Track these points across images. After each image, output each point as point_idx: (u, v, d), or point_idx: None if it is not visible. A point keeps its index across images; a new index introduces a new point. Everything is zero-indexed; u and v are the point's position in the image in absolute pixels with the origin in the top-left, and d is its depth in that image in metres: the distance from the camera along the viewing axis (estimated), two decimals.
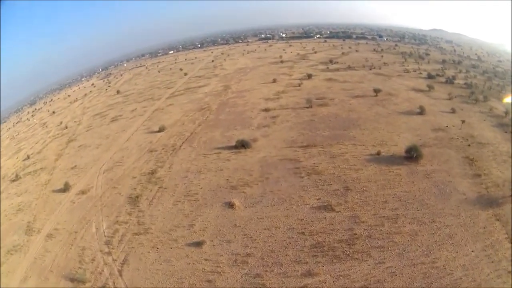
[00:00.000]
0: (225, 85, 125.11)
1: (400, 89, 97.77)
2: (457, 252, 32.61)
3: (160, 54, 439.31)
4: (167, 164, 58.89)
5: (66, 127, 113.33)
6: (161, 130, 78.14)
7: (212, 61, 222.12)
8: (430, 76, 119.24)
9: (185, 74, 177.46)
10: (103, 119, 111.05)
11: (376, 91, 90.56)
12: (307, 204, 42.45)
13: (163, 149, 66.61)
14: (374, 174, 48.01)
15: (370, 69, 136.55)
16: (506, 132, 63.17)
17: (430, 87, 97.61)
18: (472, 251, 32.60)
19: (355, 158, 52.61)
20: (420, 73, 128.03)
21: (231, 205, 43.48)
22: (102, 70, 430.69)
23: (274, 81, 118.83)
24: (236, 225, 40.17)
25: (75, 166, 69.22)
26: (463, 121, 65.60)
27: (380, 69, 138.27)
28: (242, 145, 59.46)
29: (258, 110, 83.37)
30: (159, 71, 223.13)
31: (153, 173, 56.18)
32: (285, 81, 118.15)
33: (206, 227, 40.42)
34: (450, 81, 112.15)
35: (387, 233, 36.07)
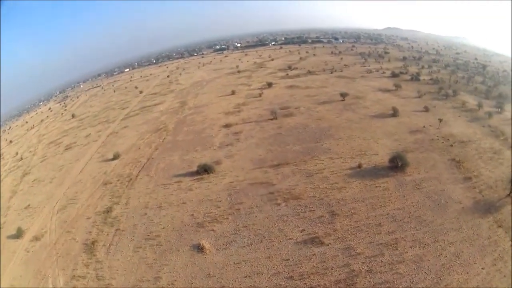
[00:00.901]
0: (181, 101, 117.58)
1: (367, 91, 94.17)
2: (467, 273, 28.97)
3: (116, 73, 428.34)
4: (123, 199, 50.51)
5: (22, 158, 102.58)
6: (115, 157, 69.89)
7: (168, 76, 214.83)
8: (394, 75, 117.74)
9: (140, 92, 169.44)
10: (57, 147, 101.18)
11: (343, 95, 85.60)
12: (290, 239, 35.49)
13: (118, 180, 58.12)
14: (360, 191, 42.13)
15: (331, 73, 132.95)
16: (483, 126, 61.80)
17: (397, 86, 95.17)
18: (483, 268, 29.41)
19: (335, 175, 46.40)
20: (383, 73, 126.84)
21: (200, 249, 35.72)
22: (60, 92, 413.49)
23: (233, 93, 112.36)
24: (210, 274, 32.56)
25: (29, 205, 59.79)
26: (440, 120, 62.50)
27: (341, 71, 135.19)
28: (205, 170, 51.70)
29: (219, 126, 76.21)
30: (114, 91, 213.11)
31: (108, 211, 47.74)
32: (244, 92, 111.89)
33: (175, 280, 32.57)
34: (415, 78, 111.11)
35: (389, 264, 30.60)
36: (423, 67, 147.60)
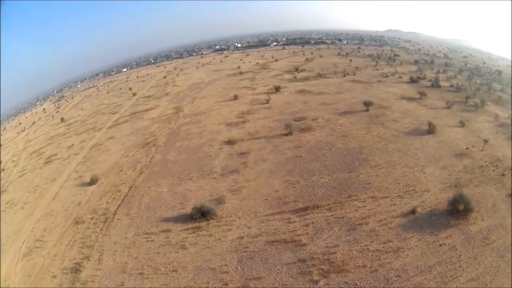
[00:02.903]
0: (176, 107, 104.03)
1: (389, 99, 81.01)
2: None
3: (113, 73, 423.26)
4: (95, 251, 36.31)
5: (3, 170, 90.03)
6: (93, 181, 56.27)
7: (164, 77, 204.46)
8: (413, 80, 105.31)
9: (134, 94, 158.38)
10: (38, 159, 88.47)
11: (367, 104, 72.27)
12: None
13: (92, 218, 44.01)
14: (422, 254, 28.98)
15: (344, 76, 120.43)
16: None
17: (422, 94, 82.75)
18: None
19: (385, 226, 32.81)
20: (400, 77, 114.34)
21: None
22: (57, 92, 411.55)
23: (236, 97, 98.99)
24: None
25: None
26: (485, 141, 50.57)
27: (354, 75, 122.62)
28: (202, 214, 37.56)
29: (220, 142, 62.35)
30: (108, 92, 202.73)
31: (77, 269, 33.79)
32: (248, 97, 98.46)
33: None
34: (436, 84, 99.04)
35: None
36: (438, 71, 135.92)
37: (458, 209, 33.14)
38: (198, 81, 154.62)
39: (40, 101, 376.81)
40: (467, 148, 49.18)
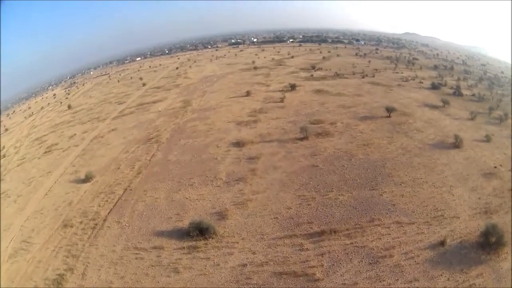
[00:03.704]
0: (185, 100, 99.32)
1: (411, 105, 75.35)
2: None
3: (127, 61, 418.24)
4: (80, 263, 31.95)
5: (4, 156, 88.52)
6: (87, 179, 52.15)
7: (176, 68, 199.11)
8: (434, 86, 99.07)
9: (144, 84, 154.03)
10: (39, 147, 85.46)
11: (389, 110, 66.70)
12: None
13: (81, 223, 39.75)
14: None
15: (362, 77, 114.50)
16: None
17: (445, 102, 76.99)
18: None
19: (412, 261, 27.80)
20: (421, 82, 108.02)
21: None
22: (69, 78, 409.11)
23: (248, 94, 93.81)
24: None
25: None
26: None
27: (373, 76, 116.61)
28: (201, 231, 32.59)
29: (227, 143, 57.39)
30: (118, 81, 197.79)
31: (58, 284, 29.62)
32: (262, 94, 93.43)
33: None
34: (458, 92, 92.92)
35: None
36: (459, 78, 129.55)
37: (489, 242, 28.62)
38: (210, 74, 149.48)
39: (52, 86, 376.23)
40: (495, 167, 44.10)
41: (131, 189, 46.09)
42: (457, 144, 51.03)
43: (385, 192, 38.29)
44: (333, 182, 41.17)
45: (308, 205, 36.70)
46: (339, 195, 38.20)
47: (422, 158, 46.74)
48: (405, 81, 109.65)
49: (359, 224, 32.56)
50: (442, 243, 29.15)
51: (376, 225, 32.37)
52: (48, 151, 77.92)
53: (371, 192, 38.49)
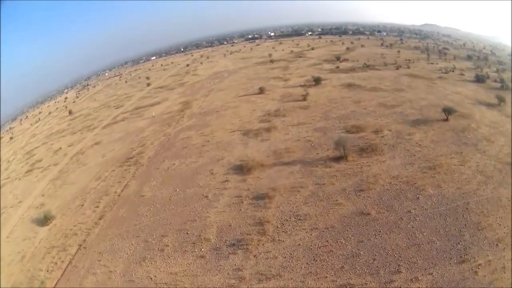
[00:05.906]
0: (185, 101, 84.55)
1: (464, 103, 57.87)
2: None
3: (142, 61, 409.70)
4: None
5: None
6: (46, 220, 40.53)
7: (187, 65, 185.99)
8: (478, 79, 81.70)
9: (148, 84, 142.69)
10: (25, 163, 76.68)
11: (447, 111, 49.09)
12: None
13: None
14: None
15: (396, 69, 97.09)
16: None
17: (500, 100, 58.99)
18: None
19: None
20: (462, 74, 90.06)
21: None
22: (85, 80, 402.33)
23: (262, 91, 77.40)
24: None
25: None
26: None
27: (408, 68, 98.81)
28: None
29: (226, 168, 40.91)
30: (126, 82, 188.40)
31: None
32: (278, 90, 77.16)
33: None
34: (505, 86, 75.36)
35: None
36: (497, 70, 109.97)
37: None
38: (221, 70, 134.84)
39: (68, 88, 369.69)
40: None
41: (85, 247, 31.90)
42: None
43: (480, 264, 21.80)
44: (398, 249, 24.06)
45: None
46: (412, 279, 21.26)
47: (509, 189, 29.66)
48: (445, 73, 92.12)
49: None
50: None
51: None
52: (30, 170, 68.58)
53: (459, 267, 21.78)
